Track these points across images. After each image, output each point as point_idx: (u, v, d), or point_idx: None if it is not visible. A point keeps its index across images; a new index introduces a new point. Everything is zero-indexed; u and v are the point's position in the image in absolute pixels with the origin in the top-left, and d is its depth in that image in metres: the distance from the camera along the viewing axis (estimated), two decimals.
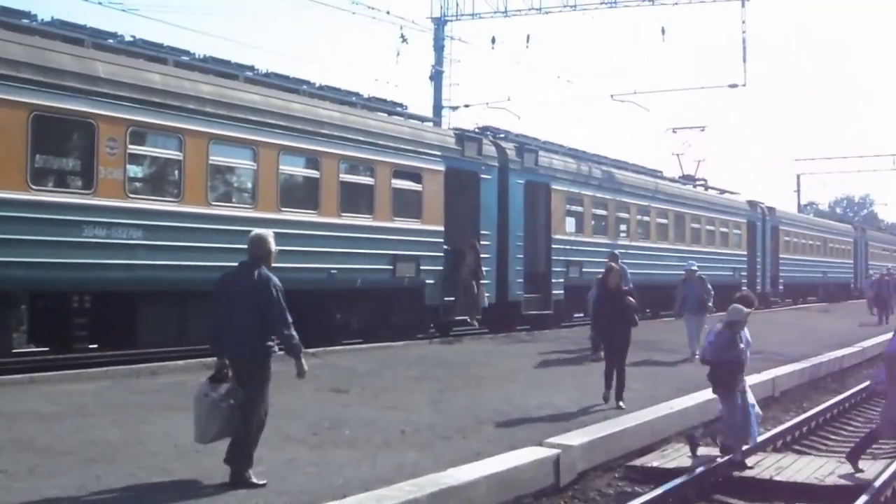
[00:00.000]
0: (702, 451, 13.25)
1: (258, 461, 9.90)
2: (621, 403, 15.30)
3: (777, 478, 12.19)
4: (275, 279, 9.72)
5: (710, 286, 23.84)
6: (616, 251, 27.75)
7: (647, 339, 23.15)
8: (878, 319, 40.01)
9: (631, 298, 16.24)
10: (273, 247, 10.03)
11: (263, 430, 9.90)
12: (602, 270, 24.81)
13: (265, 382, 9.78)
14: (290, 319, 9.67)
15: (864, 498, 10.91)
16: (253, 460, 9.66)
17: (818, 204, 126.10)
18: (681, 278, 24.43)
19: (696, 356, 20.39)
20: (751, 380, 18.96)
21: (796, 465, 12.91)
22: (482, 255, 27.05)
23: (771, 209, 52.65)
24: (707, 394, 16.86)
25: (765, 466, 12.70)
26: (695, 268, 24.20)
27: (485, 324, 28.62)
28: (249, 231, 19.92)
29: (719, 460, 12.64)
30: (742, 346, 12.92)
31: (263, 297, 9.56)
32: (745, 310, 12.94)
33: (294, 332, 9.64)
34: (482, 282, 26.90)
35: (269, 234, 10.13)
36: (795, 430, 15.78)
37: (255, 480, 9.50)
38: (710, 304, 23.72)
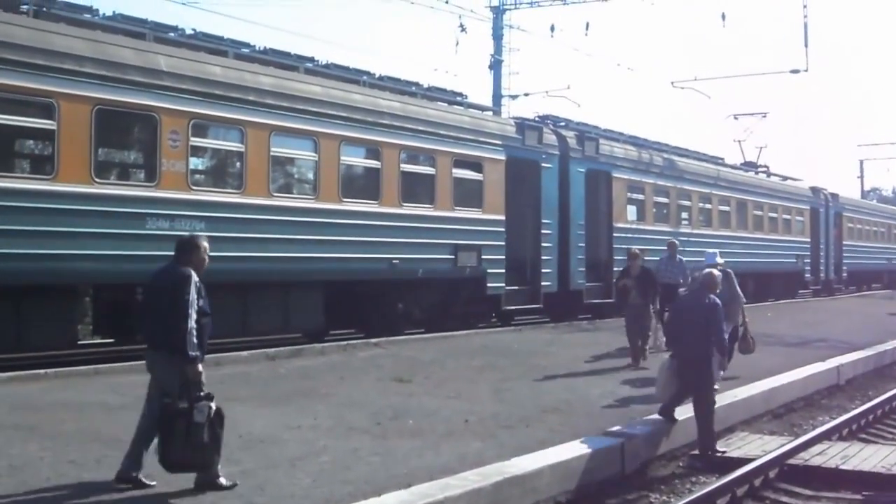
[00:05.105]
0: (766, 438, 13.16)
1: (323, 450, 10.11)
2: None
3: (843, 466, 12.05)
4: (717, 301, 13.24)
5: (738, 288, 17.22)
6: (677, 239, 27.61)
7: None
8: None
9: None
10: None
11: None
12: (658, 259, 24.93)
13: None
14: (724, 327, 13.43)
15: None
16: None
17: (882, 190, 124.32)
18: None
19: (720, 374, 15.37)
20: (815, 367, 18.91)
21: (862, 453, 12.75)
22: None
23: (834, 195, 52.03)
24: (771, 382, 16.78)
25: (830, 455, 12.56)
26: (719, 261, 16.82)
27: (546, 312, 28.54)
28: (312, 222, 19.89)
29: (785, 448, 12.52)
30: None
31: (711, 314, 12.99)
32: None
33: (724, 336, 13.54)
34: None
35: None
36: (861, 418, 15.59)
37: (720, 449, 12.66)
38: (743, 305, 17.41)
